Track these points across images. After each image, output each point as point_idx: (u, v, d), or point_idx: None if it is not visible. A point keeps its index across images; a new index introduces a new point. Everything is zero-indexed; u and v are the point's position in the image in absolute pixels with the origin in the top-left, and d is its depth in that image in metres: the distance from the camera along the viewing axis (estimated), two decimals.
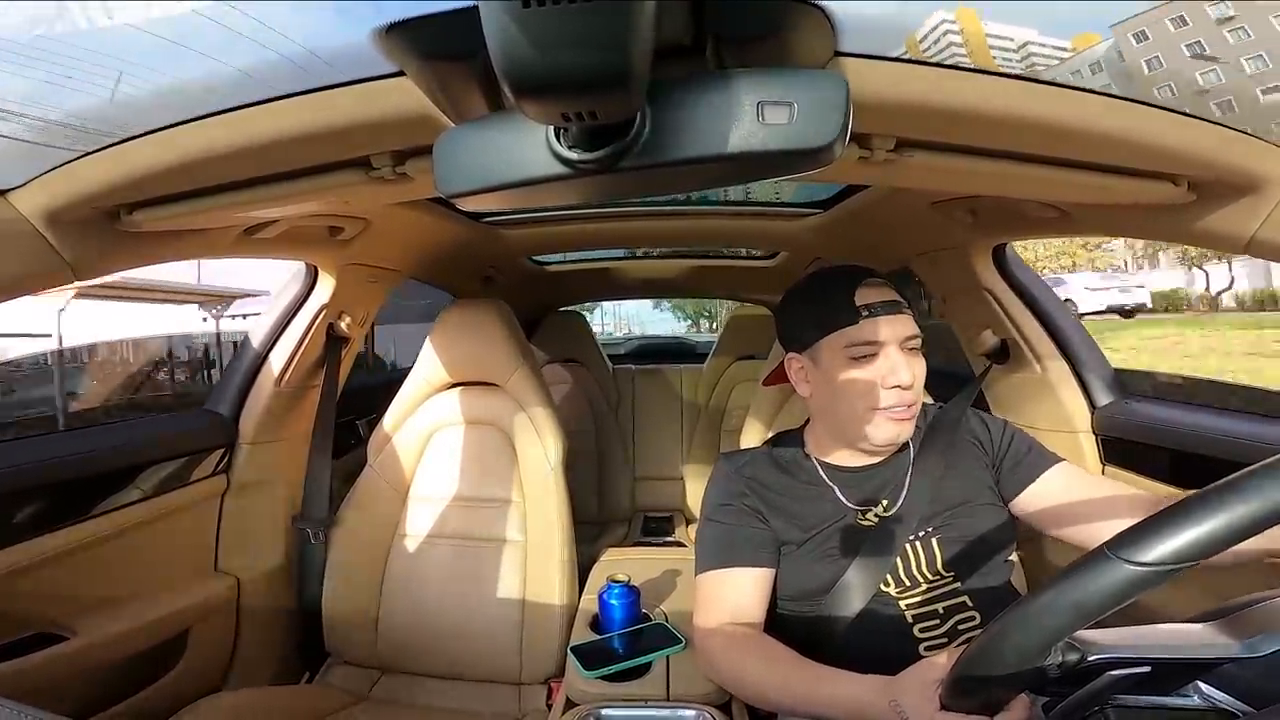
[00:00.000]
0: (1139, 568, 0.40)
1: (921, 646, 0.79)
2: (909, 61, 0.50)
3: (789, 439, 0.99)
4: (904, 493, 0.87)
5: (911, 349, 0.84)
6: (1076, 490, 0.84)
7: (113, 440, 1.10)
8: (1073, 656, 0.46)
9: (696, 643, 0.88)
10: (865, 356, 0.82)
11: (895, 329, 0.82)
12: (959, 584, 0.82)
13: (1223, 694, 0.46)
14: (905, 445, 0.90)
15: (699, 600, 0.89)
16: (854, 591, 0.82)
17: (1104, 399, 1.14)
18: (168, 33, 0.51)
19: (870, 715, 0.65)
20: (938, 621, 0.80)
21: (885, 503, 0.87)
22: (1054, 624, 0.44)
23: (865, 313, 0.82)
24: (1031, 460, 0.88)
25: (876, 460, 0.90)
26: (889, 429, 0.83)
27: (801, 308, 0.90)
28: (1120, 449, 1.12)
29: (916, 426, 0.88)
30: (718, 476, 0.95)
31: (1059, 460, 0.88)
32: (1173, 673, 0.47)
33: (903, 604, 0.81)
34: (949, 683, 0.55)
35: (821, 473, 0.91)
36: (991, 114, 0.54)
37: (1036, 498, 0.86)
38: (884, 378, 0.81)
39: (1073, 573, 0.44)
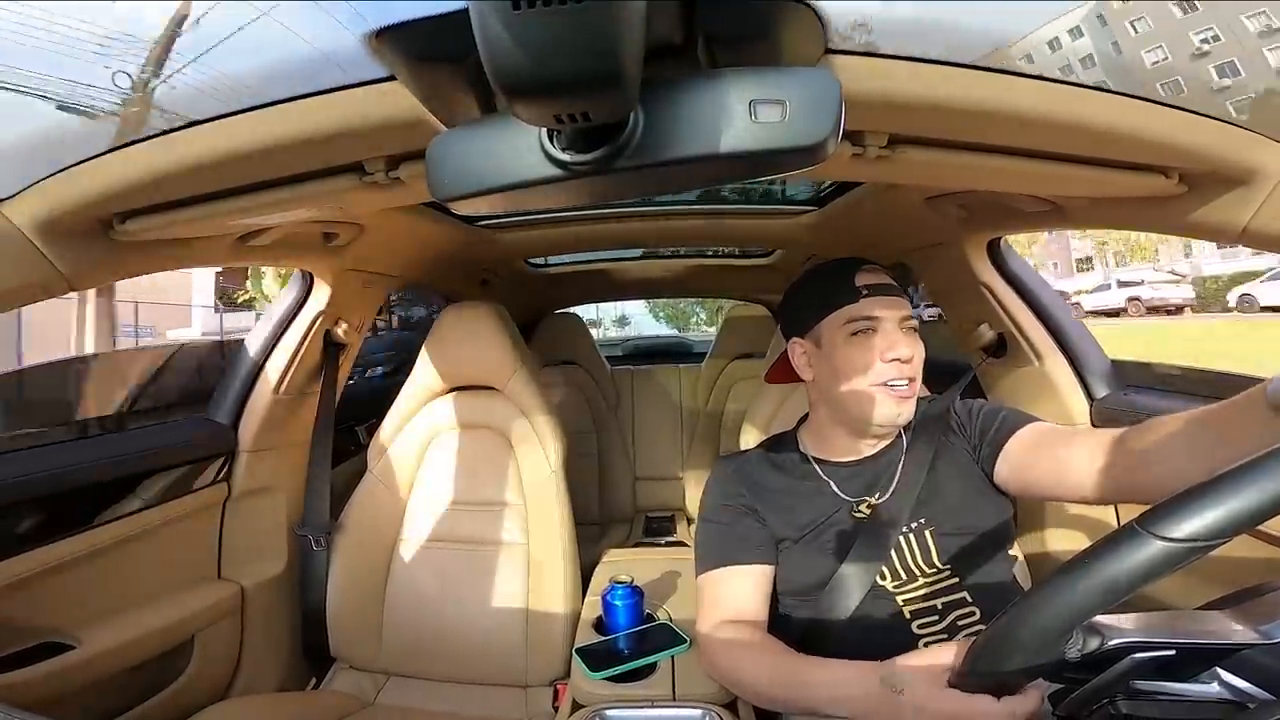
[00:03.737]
0: (1172, 543, 0.39)
1: (920, 643, 0.79)
2: (900, 58, 0.50)
3: (784, 439, 1.00)
4: (894, 483, 0.87)
5: (909, 329, 0.86)
6: (1049, 440, 0.81)
7: (114, 450, 1.10)
8: (1094, 641, 0.45)
9: (698, 643, 0.89)
10: (864, 332, 0.84)
11: (892, 309, 0.85)
12: (957, 579, 0.82)
13: (1242, 680, 0.46)
14: (899, 437, 0.91)
15: (700, 601, 0.89)
16: (851, 585, 0.82)
17: (1101, 391, 1.14)
18: (160, 39, 0.51)
19: (859, 693, 0.65)
20: (936, 617, 0.80)
21: (878, 494, 0.88)
22: (1082, 602, 0.43)
23: (865, 292, 0.85)
24: (1003, 425, 0.86)
25: (871, 453, 0.91)
26: (890, 407, 0.84)
27: (803, 294, 0.93)
28: None
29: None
30: (714, 478, 0.97)
31: (1032, 420, 0.86)
32: (1194, 659, 0.46)
33: (900, 599, 0.81)
34: (964, 665, 0.54)
35: (817, 469, 0.92)
36: (982, 109, 0.54)
37: (1013, 456, 0.84)
38: (883, 352, 0.83)
39: (1102, 549, 0.43)
